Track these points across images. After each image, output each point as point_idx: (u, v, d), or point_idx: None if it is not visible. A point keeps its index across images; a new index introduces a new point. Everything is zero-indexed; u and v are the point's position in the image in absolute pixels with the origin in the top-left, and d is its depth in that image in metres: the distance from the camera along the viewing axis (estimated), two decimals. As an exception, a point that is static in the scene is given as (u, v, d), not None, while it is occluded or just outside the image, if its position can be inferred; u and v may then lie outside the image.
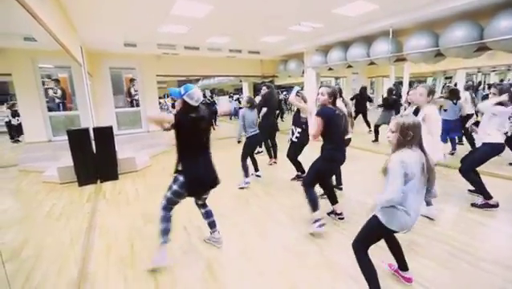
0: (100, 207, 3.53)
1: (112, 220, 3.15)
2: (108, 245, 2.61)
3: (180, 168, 2.13)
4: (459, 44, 4.04)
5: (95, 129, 4.47)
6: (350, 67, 6.43)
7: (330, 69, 6.92)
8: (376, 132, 6.04)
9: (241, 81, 11.99)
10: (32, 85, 5.67)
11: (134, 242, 2.63)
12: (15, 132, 9.17)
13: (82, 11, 3.93)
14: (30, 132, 5.86)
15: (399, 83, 10.03)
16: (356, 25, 5.16)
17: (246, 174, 3.95)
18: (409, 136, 1.52)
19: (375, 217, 1.65)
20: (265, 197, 3.68)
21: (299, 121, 3.70)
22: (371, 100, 7.40)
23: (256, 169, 4.29)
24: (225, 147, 6.61)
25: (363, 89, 7.20)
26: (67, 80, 7.67)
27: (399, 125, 1.54)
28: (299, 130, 3.68)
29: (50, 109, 6.31)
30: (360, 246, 1.71)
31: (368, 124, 7.13)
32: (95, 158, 4.46)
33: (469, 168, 3.00)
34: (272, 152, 5.12)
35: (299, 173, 4.05)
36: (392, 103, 5.93)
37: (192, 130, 2.07)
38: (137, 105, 7.33)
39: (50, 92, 7.38)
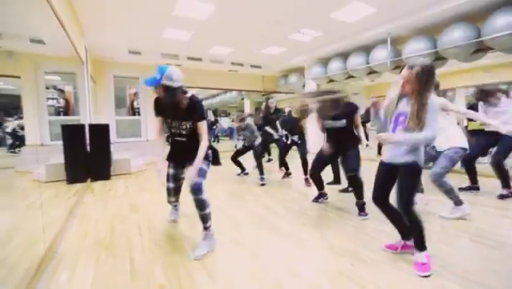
0: (86, 200, 3.33)
1: (96, 210, 2.94)
2: (86, 230, 2.40)
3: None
4: (457, 44, 4.05)
5: (90, 126, 4.40)
6: (351, 77, 6.46)
7: (330, 81, 6.97)
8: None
9: (242, 99, 12.15)
10: (36, 89, 5.80)
11: (115, 228, 2.41)
12: (17, 142, 9.19)
13: (90, 13, 4.08)
14: (30, 135, 5.84)
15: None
16: (355, 32, 5.27)
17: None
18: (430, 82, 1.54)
19: (414, 164, 1.61)
20: (263, 194, 3.47)
21: (295, 128, 3.87)
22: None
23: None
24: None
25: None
26: (71, 93, 7.87)
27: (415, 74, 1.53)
28: (296, 136, 3.85)
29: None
30: (411, 203, 1.64)
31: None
32: (88, 156, 4.33)
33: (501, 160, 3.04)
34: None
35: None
36: None
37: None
38: (138, 114, 7.35)
39: (54, 102, 7.55)
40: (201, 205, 1.86)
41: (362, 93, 11.38)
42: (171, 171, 2.08)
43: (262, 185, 3.87)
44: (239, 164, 4.47)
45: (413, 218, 1.63)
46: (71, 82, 7.15)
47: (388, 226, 1.93)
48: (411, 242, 1.75)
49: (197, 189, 1.82)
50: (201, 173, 1.88)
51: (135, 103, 8.15)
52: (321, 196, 3.01)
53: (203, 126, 1.90)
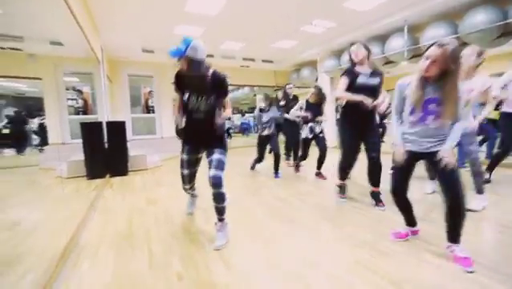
0: (106, 194, 3.44)
1: (115, 204, 3.03)
2: (106, 222, 2.47)
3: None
4: (480, 28, 3.82)
5: (108, 123, 4.52)
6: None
7: (344, 73, 6.80)
8: None
9: (255, 95, 12.12)
10: (56, 90, 6.06)
11: (133, 220, 2.46)
12: (41, 141, 9.66)
13: (105, 13, 4.18)
14: (52, 135, 6.14)
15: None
16: (369, 22, 5.10)
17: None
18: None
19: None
20: (277, 187, 3.45)
21: (319, 114, 3.67)
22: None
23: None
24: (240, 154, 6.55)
25: None
26: (89, 94, 8.15)
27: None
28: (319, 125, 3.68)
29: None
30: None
31: None
32: (106, 153, 4.46)
33: None
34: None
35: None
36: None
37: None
38: (153, 112, 7.50)
39: (73, 102, 7.86)
40: (220, 198, 1.84)
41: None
42: (185, 157, 2.02)
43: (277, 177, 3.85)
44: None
45: (464, 209, 1.48)
46: (89, 82, 7.40)
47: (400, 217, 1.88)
48: (416, 228, 1.85)
49: (218, 183, 1.80)
50: (221, 166, 1.85)
51: (149, 102, 8.33)
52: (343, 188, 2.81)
53: (227, 101, 1.89)
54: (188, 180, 2.12)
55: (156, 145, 6.85)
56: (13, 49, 5.62)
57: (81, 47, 4.41)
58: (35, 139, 9.65)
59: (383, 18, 4.92)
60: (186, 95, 1.85)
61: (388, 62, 5.57)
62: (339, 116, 2.79)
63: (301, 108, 3.72)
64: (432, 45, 1.43)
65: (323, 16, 4.87)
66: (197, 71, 1.74)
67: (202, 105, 1.83)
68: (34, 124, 9.47)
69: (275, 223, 2.27)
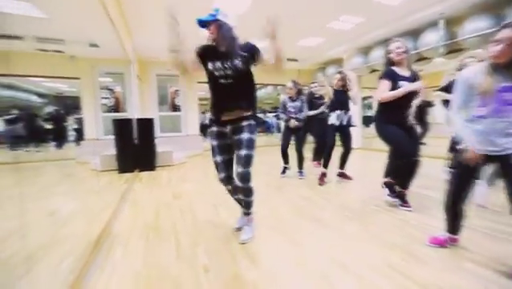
0: (135, 187, 3.60)
1: (144, 197, 3.16)
2: (136, 213, 2.59)
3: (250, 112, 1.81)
4: (531, 19, 3.48)
5: (138, 120, 4.73)
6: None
7: (372, 71, 6.55)
8: None
9: (278, 94, 12.06)
10: (93, 89, 6.50)
11: (160, 213, 2.55)
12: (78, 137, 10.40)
13: (137, 14, 4.38)
14: (87, 131, 6.60)
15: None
16: (401, 16, 4.86)
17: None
18: None
19: None
20: (301, 185, 3.40)
21: (346, 103, 3.41)
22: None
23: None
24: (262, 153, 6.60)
25: None
26: (120, 93, 8.61)
27: None
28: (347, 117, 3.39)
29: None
30: None
31: None
32: (135, 148, 4.68)
33: None
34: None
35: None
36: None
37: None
38: (179, 110, 7.75)
39: (106, 101, 8.36)
40: (248, 192, 1.83)
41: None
42: (215, 142, 1.85)
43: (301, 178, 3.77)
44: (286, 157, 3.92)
45: None
46: (120, 82, 7.82)
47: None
48: (456, 236, 1.66)
49: (247, 179, 1.77)
50: (249, 162, 1.76)
51: (175, 100, 8.61)
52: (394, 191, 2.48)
53: (265, 56, 1.75)
54: (223, 167, 1.86)
55: (182, 143, 7.06)
56: (56, 51, 6.09)
57: (115, 49, 4.65)
58: (72, 135, 10.40)
59: (416, 12, 4.66)
60: (210, 65, 1.74)
61: (421, 58, 5.27)
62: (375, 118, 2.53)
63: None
64: (500, 29, 1.32)
65: (351, 11, 4.72)
66: (227, 37, 1.69)
67: (230, 70, 1.72)
68: (71, 120, 10.21)
69: (300, 221, 2.23)
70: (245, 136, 1.77)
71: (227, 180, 1.88)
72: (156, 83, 7.43)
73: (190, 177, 4.26)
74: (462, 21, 4.37)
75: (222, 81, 1.73)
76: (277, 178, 3.85)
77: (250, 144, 1.78)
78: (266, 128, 13.46)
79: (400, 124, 2.28)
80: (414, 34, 5.16)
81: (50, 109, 10.92)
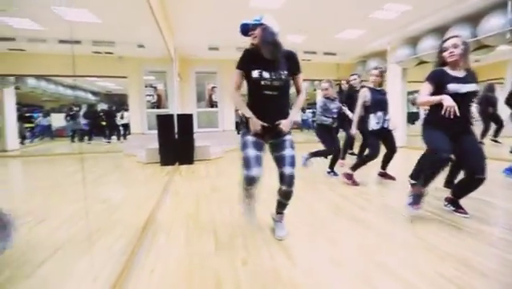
0: (175, 179, 3.81)
1: (184, 188, 3.33)
2: (177, 203, 2.74)
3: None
4: None
5: (178, 115, 4.98)
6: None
7: (420, 63, 6.01)
8: None
9: (315, 90, 11.74)
10: (139, 87, 7.02)
11: (200, 204, 2.67)
12: (126, 131, 11.31)
13: (179, 14, 4.59)
14: (134, 126, 7.16)
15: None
16: (456, 1, 4.37)
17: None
18: None
19: None
20: (337, 183, 3.29)
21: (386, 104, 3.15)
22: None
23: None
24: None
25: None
26: (162, 90, 9.16)
27: None
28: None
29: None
30: None
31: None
32: (176, 142, 4.94)
33: None
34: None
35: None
36: None
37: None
38: (216, 106, 7.98)
39: (150, 98, 8.97)
40: (290, 196, 1.77)
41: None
42: (250, 138, 1.73)
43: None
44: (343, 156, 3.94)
45: None
46: (162, 80, 8.30)
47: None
48: None
49: (293, 182, 1.70)
50: (294, 162, 1.71)
51: (213, 97, 8.90)
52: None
53: (301, 79, 1.79)
54: (255, 161, 1.66)
55: (218, 138, 7.27)
56: (107, 53, 6.68)
57: (159, 48, 4.94)
58: (120, 129, 11.37)
59: (476, -5, 4.15)
60: (256, 72, 1.65)
61: (481, 46, 4.69)
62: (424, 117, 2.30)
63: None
64: None
65: (398, 1, 4.37)
66: (272, 43, 1.64)
67: (276, 80, 1.67)
68: (118, 116, 11.12)
69: (339, 221, 2.16)
70: (286, 137, 1.78)
71: (257, 179, 1.65)
72: (195, 80, 7.73)
73: (227, 171, 4.37)
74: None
75: (267, 92, 1.68)
76: (311, 176, 3.75)
77: (293, 145, 1.77)
78: (304, 124, 13.39)
79: (451, 130, 1.99)
80: (473, 19, 4.61)
81: (103, 106, 12.09)
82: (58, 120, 11.76)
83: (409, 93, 8.43)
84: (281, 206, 1.88)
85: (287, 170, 1.68)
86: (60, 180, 4.18)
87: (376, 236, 1.86)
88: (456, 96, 1.90)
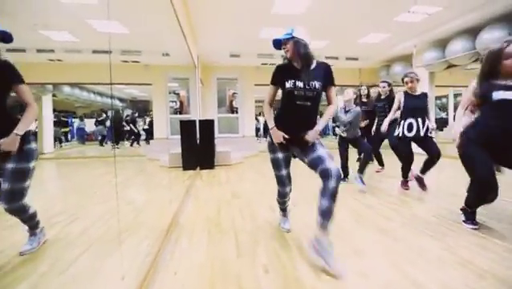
0: (197, 184, 3.88)
1: (205, 193, 3.38)
2: (198, 208, 2.78)
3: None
4: None
5: (200, 121, 5.10)
6: (477, 60, 5.13)
7: (449, 66, 5.73)
8: None
9: (336, 95, 11.55)
10: (163, 94, 7.32)
11: (221, 209, 2.69)
12: (149, 137, 11.80)
13: (202, 23, 4.75)
14: (157, 131, 7.43)
15: None
16: (490, 0, 4.13)
17: None
18: None
19: None
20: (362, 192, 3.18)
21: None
22: None
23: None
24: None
25: None
26: (185, 96, 9.46)
27: None
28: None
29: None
30: None
31: None
32: (197, 147, 5.05)
33: None
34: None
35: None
36: None
37: None
38: (236, 112, 8.08)
39: (173, 104, 9.28)
40: (337, 196, 1.58)
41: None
42: (280, 155, 1.83)
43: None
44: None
45: None
46: (185, 86, 8.57)
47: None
48: None
49: (340, 176, 1.59)
50: (331, 157, 1.67)
51: (233, 103, 9.04)
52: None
53: (334, 91, 1.77)
54: (288, 180, 1.92)
55: (238, 143, 7.34)
56: (134, 62, 7.04)
57: (183, 56, 5.12)
58: (144, 135, 11.82)
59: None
60: (290, 83, 1.69)
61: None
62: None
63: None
64: None
65: (424, 0, 4.22)
66: (305, 54, 1.67)
67: (310, 91, 1.68)
68: (142, 122, 11.57)
69: (364, 231, 2.08)
70: (320, 146, 1.76)
71: (289, 192, 2.00)
72: (216, 86, 7.90)
73: (247, 176, 4.39)
74: None
75: (299, 102, 1.70)
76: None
77: (323, 144, 1.77)
78: (323, 131, 13.15)
79: (494, 146, 1.86)
80: (509, 20, 4.33)
81: (128, 112, 12.73)
82: (88, 125, 12.56)
83: (436, 98, 8.03)
84: (327, 215, 1.58)
85: (330, 164, 1.60)
86: (90, 181, 4.42)
87: (404, 248, 1.77)
88: (503, 107, 1.81)
